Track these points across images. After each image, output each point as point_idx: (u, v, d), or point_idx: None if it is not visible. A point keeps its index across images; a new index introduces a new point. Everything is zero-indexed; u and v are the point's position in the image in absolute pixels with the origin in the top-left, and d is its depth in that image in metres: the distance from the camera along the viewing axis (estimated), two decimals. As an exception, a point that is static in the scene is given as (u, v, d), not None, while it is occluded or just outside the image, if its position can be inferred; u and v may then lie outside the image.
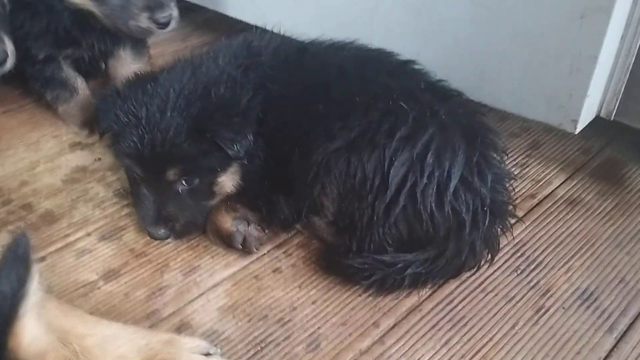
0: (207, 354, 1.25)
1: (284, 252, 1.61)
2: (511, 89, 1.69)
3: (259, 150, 1.55)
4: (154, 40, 2.35)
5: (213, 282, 1.52)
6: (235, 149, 1.47)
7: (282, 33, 1.81)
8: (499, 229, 1.52)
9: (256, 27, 1.90)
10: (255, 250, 1.58)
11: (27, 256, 0.87)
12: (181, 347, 1.24)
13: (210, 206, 1.59)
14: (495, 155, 1.54)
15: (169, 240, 1.58)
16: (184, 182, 1.52)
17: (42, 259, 1.56)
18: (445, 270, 1.47)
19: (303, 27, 1.82)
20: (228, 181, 1.57)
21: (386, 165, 1.42)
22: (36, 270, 0.88)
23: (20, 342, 0.87)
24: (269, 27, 1.88)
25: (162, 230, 1.54)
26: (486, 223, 1.45)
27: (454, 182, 1.42)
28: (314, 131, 1.49)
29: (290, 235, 1.65)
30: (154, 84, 1.53)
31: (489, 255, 1.52)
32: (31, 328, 0.97)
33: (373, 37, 1.71)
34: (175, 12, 1.81)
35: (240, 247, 1.57)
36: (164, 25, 1.81)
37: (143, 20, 1.77)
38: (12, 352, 0.86)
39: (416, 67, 1.62)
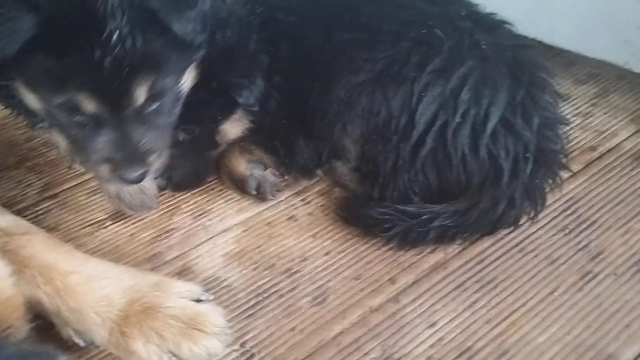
0: (198, 300, 1.14)
1: (302, 200, 1.47)
2: (571, 22, 1.46)
3: (273, 88, 1.40)
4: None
5: (223, 227, 1.41)
6: (245, 95, 1.34)
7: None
8: (545, 182, 1.32)
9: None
10: (270, 197, 1.45)
11: None
12: (169, 290, 1.14)
13: (213, 157, 1.48)
14: (545, 96, 1.33)
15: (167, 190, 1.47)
16: (185, 132, 1.39)
17: (55, 195, 1.51)
18: (478, 225, 1.30)
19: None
20: (231, 128, 1.44)
21: (414, 101, 1.25)
22: None
23: None
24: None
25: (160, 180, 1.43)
26: (528, 172, 1.26)
27: (492, 123, 1.24)
28: (337, 63, 1.33)
29: (311, 182, 1.51)
30: None
31: (532, 212, 1.32)
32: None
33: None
34: (157, 164, 1.25)
35: (254, 192, 1.44)
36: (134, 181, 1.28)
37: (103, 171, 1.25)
38: None
39: (459, -7, 1.41)
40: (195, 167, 1.46)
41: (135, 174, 1.20)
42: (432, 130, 1.25)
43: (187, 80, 1.26)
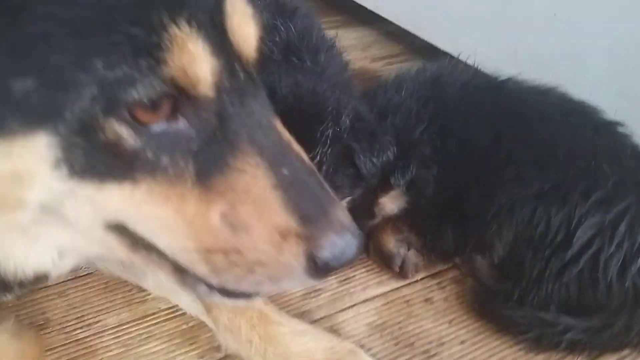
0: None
1: (437, 284, 1.59)
2: None
3: (432, 177, 1.55)
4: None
5: (365, 296, 1.53)
6: (395, 176, 1.49)
7: (474, 64, 1.79)
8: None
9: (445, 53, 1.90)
10: (410, 275, 1.58)
11: None
12: (364, 357, 1.28)
13: (370, 226, 1.61)
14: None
15: None
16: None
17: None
18: (608, 344, 1.40)
19: (497, 61, 1.79)
20: (389, 203, 1.58)
21: (574, 223, 1.37)
22: None
23: None
24: (459, 54, 1.88)
25: None
26: (667, 307, 1.36)
27: (642, 257, 1.35)
28: (505, 172, 1.47)
29: (445, 267, 1.63)
30: None
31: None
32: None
33: (574, 84, 1.65)
34: None
35: (398, 270, 1.57)
36: None
37: None
38: None
39: (622, 129, 1.54)
40: None
41: None
42: (586, 253, 1.36)
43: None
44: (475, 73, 1.75)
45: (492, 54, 1.79)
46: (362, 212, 1.56)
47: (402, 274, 1.57)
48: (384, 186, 1.55)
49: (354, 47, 2.45)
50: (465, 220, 1.54)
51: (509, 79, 1.68)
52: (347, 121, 1.41)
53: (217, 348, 1.36)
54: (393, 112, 1.58)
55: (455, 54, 1.94)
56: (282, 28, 1.65)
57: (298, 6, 1.81)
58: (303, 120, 1.29)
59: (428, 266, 1.62)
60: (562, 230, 1.38)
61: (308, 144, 1.10)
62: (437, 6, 2.12)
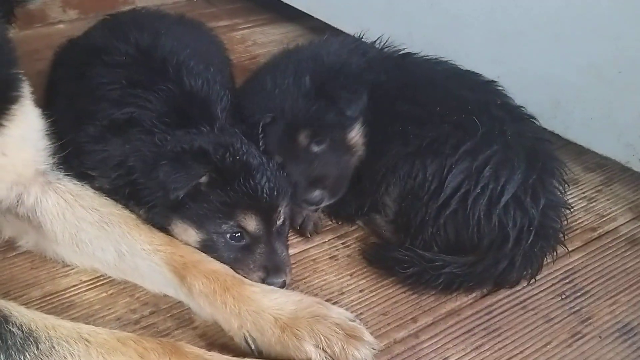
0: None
1: (342, 243, 1.74)
2: (583, 121, 1.76)
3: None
4: (261, 40, 2.60)
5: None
6: (352, 108, 1.62)
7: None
8: (543, 253, 1.58)
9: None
10: (308, 234, 1.72)
11: None
12: (330, 306, 1.43)
13: (352, 160, 1.71)
14: (554, 182, 1.61)
15: (325, 202, 1.68)
16: (316, 143, 1.65)
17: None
18: (481, 277, 1.54)
19: (393, 37, 1.94)
20: (358, 136, 1.70)
21: (445, 171, 1.53)
22: None
23: None
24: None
25: (317, 192, 1.65)
26: (529, 242, 1.52)
27: (505, 197, 1.51)
28: (392, 134, 1.63)
29: (352, 228, 1.78)
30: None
31: (530, 276, 1.58)
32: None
33: (457, 55, 1.82)
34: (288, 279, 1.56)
35: (298, 227, 1.71)
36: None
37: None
38: None
39: (497, 87, 1.71)
40: (341, 171, 1.69)
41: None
42: (456, 195, 1.52)
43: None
44: (380, 49, 1.88)
45: (391, 35, 1.94)
46: (339, 150, 1.68)
47: (301, 231, 1.72)
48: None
49: (279, 42, 2.60)
50: (361, 184, 1.70)
51: (409, 53, 1.84)
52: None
53: (134, 310, 1.50)
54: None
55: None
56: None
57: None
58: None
59: (335, 228, 1.77)
60: (436, 177, 1.54)
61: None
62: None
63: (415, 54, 1.84)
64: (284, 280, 1.51)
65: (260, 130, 1.60)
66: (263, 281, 1.50)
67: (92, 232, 1.53)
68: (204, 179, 1.46)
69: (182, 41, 1.78)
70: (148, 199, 1.53)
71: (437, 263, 1.52)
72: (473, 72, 1.76)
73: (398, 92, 1.67)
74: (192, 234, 1.52)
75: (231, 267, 1.51)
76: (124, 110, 1.56)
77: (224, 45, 2.12)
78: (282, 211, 1.54)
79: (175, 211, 1.50)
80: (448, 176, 1.52)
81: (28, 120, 1.46)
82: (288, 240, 1.62)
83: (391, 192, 1.62)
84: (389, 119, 1.64)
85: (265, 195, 1.49)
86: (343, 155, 1.68)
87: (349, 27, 2.30)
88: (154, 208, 1.53)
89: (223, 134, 1.54)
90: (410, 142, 1.59)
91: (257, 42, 2.59)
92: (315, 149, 1.66)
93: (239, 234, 1.51)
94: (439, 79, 1.72)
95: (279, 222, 1.54)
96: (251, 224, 1.49)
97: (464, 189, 1.51)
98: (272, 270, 1.51)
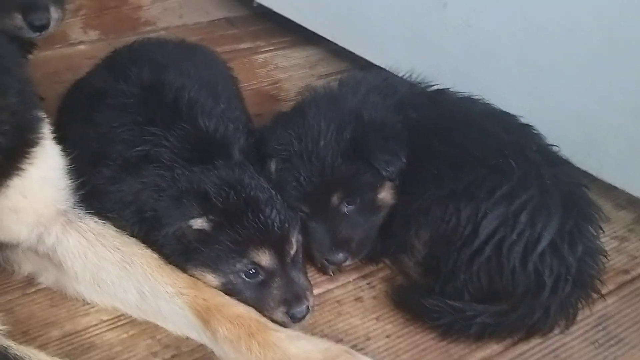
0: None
1: (367, 283, 1.69)
2: (617, 161, 1.70)
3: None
4: (283, 64, 2.56)
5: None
6: (389, 170, 1.59)
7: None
8: (579, 300, 1.53)
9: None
10: (330, 274, 1.67)
11: None
12: (358, 356, 1.40)
13: (379, 220, 1.68)
14: (590, 228, 1.56)
15: (347, 262, 1.65)
16: (346, 204, 1.62)
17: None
18: (514, 327, 1.50)
19: (419, 67, 1.90)
20: (388, 195, 1.67)
21: (479, 216, 1.48)
22: None
23: None
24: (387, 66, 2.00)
25: (340, 254, 1.62)
26: (566, 291, 1.47)
27: (542, 245, 1.46)
28: (426, 175, 1.59)
29: (376, 267, 1.73)
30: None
31: (564, 324, 1.53)
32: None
33: (487, 88, 1.78)
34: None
35: (319, 265, 1.67)
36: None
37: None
38: None
39: (533, 130, 1.67)
40: (366, 232, 1.65)
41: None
42: (491, 241, 1.48)
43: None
44: (411, 84, 1.84)
45: (417, 65, 1.90)
46: (367, 210, 1.65)
47: (322, 270, 1.68)
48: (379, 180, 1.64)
49: (301, 66, 2.56)
50: (391, 225, 1.66)
51: (443, 90, 1.80)
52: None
53: (155, 354, 1.46)
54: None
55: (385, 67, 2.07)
56: None
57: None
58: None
59: (360, 267, 1.73)
60: (470, 222, 1.49)
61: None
62: (366, 23, 2.25)
63: (448, 89, 1.80)
64: (307, 306, 1.47)
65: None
66: (287, 313, 1.46)
67: (114, 272, 1.49)
68: (200, 222, 1.44)
69: (189, 75, 1.74)
70: (157, 238, 1.50)
71: (468, 313, 1.48)
72: (509, 114, 1.72)
73: (433, 132, 1.63)
74: (210, 280, 1.48)
75: (254, 308, 1.46)
76: (138, 148, 1.53)
77: (231, 72, 2.06)
78: (293, 241, 1.50)
79: (188, 260, 1.48)
80: (482, 221, 1.47)
81: (48, 161, 1.43)
82: (305, 267, 1.58)
83: (421, 235, 1.58)
84: (423, 159, 1.60)
85: (276, 228, 1.45)
86: (371, 216, 1.65)
87: (372, 54, 2.27)
88: (164, 248, 1.51)
89: (234, 171, 1.51)
90: (445, 184, 1.55)
91: (279, 65, 2.54)
92: (345, 209, 1.62)
93: (254, 270, 1.47)
94: (475, 119, 1.68)
95: (292, 252, 1.50)
96: (264, 258, 1.46)
97: (499, 235, 1.46)
98: (293, 301, 1.46)
